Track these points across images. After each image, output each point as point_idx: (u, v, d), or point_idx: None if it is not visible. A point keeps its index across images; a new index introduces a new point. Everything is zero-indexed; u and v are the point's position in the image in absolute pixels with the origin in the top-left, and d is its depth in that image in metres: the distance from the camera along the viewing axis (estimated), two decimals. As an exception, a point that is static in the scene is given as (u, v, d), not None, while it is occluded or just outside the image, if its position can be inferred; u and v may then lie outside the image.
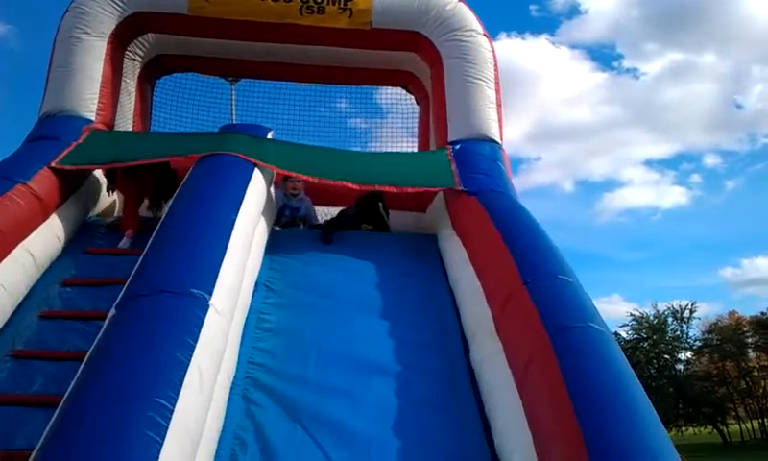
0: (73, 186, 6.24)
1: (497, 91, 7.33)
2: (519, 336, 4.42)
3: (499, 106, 7.29)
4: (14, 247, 5.19)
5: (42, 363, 4.68)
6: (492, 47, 7.45)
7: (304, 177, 6.66)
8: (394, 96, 9.49)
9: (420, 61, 8.06)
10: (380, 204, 7.19)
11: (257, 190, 5.93)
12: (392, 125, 9.57)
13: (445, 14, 7.51)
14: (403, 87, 9.18)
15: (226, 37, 7.91)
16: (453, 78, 7.30)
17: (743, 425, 52.56)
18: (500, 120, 7.22)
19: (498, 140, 7.10)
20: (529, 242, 5.21)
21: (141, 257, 4.64)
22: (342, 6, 7.53)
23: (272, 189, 6.79)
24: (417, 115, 9.29)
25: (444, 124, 7.24)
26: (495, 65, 7.40)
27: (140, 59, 8.12)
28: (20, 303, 5.19)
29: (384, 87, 9.53)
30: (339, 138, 9.63)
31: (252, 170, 5.99)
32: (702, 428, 52.72)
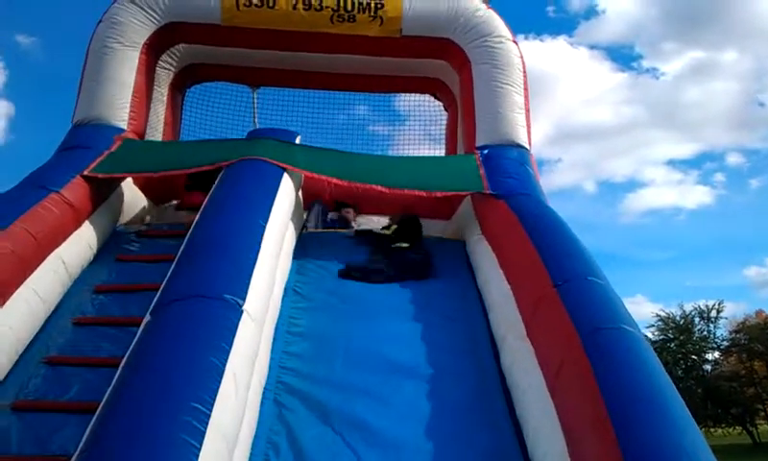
0: (104, 195, 6.32)
1: (526, 97, 7.33)
2: (550, 339, 4.41)
3: (527, 111, 7.28)
4: (48, 255, 5.27)
5: (76, 369, 4.73)
6: (520, 53, 7.45)
7: (334, 180, 6.68)
8: (414, 102, 9.52)
9: (448, 68, 8.08)
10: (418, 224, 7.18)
11: (287, 195, 5.99)
12: (413, 131, 9.60)
13: (475, 21, 7.53)
14: (431, 95, 9.20)
15: (257, 47, 7.98)
16: (482, 83, 7.31)
17: (773, 426, 51.92)
18: (528, 126, 7.21)
19: (527, 146, 7.08)
20: (559, 244, 5.20)
21: (173, 263, 4.69)
22: (372, 14, 7.54)
23: (300, 194, 6.82)
24: (437, 121, 9.33)
25: (473, 129, 7.24)
26: (524, 71, 7.40)
27: (172, 68, 8.22)
28: (53, 311, 5.25)
29: (404, 93, 9.55)
30: (358, 145, 9.60)
31: (282, 175, 6.04)
32: (731, 429, 52.08)
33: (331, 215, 7.27)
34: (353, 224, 7.45)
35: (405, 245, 6.67)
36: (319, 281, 5.99)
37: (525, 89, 7.35)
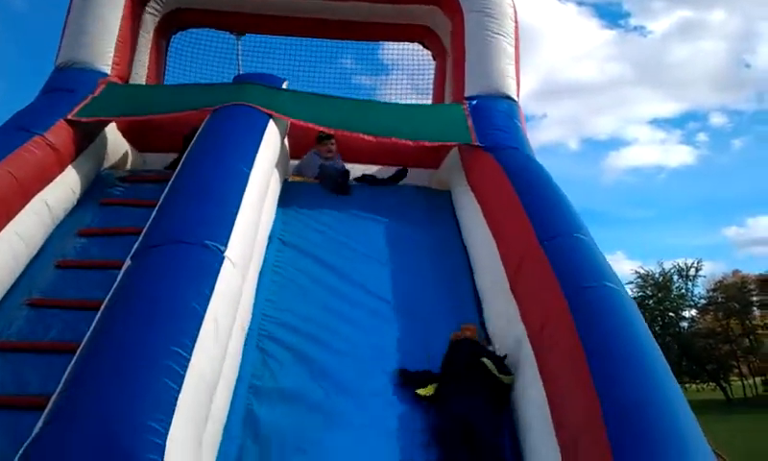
0: (88, 139, 6.24)
1: (516, 48, 7.24)
2: (535, 296, 4.45)
3: (517, 63, 7.19)
4: (32, 198, 5.22)
5: (58, 311, 4.72)
6: (513, 3, 7.34)
7: (320, 128, 6.63)
8: (400, 52, 9.35)
9: (438, 16, 7.97)
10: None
11: (272, 142, 5.93)
12: (398, 81, 9.47)
13: (469, -33, 7.36)
14: (420, 43, 9.04)
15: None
16: (474, 31, 7.21)
17: (746, 382, 52.89)
18: (518, 77, 7.13)
19: (516, 98, 7.02)
20: (545, 200, 5.21)
21: (156, 209, 4.67)
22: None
23: (285, 141, 6.77)
24: (423, 71, 9.18)
25: (462, 78, 7.17)
26: (516, 22, 7.30)
27: (158, 13, 8.06)
28: (36, 254, 5.22)
29: (389, 44, 9.39)
30: (344, 95, 9.45)
31: (267, 121, 5.97)
32: (705, 385, 53.06)
33: (322, 162, 7.10)
34: (338, 156, 7.26)
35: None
36: (303, 231, 5.97)
37: (516, 40, 7.26)
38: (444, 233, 6.22)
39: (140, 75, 7.85)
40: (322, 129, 6.67)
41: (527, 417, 4.02)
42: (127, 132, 7.19)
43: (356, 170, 7.29)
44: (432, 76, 9.04)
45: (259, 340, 4.69)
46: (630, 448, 3.14)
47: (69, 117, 5.97)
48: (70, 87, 6.43)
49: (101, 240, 5.50)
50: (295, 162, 7.30)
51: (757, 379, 52.42)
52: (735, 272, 55.94)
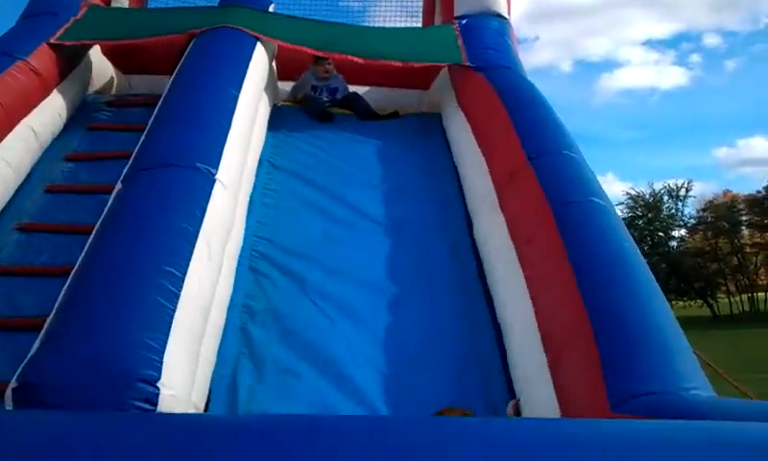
0: (72, 63, 6.13)
1: (507, -37, 7.08)
2: (523, 211, 4.48)
3: (508, -22, 7.06)
4: (17, 123, 5.15)
5: (49, 236, 4.73)
6: None
7: (308, 51, 6.54)
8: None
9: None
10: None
11: (260, 65, 5.85)
12: (388, 4, 9.26)
13: None
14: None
15: None
16: (463, -53, 7.00)
17: (732, 300, 53.77)
18: (509, -6, 7.02)
19: (506, 15, 6.92)
20: (535, 118, 5.19)
21: (145, 132, 4.62)
22: None
23: (274, 64, 6.68)
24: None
25: (451, -1, 7.02)
26: (506, -65, 7.12)
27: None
28: (24, 179, 5.18)
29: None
30: (330, 18, 9.16)
31: (255, 44, 5.88)
32: (692, 303, 53.94)
33: (314, 83, 6.99)
34: (335, 73, 7.06)
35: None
36: (294, 154, 5.95)
37: (506, -45, 7.09)
38: (435, 154, 6.21)
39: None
40: (310, 51, 6.56)
41: (514, 330, 4.08)
42: (111, 54, 7.05)
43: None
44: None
45: (252, 261, 4.72)
46: (618, 358, 3.20)
47: (52, 41, 5.85)
48: (52, 11, 6.29)
49: (89, 165, 5.47)
50: (284, 85, 7.18)
51: (744, 296, 53.30)
52: (726, 192, 56.37)
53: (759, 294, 52.71)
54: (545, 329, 3.72)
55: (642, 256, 4.01)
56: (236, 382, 3.86)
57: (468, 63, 6.22)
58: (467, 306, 4.57)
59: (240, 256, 4.65)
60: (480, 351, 4.24)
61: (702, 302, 52.70)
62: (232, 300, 4.31)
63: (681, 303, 51.99)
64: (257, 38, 5.96)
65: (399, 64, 6.37)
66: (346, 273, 4.69)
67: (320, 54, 6.63)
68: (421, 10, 8.75)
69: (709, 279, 52.77)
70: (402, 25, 8.97)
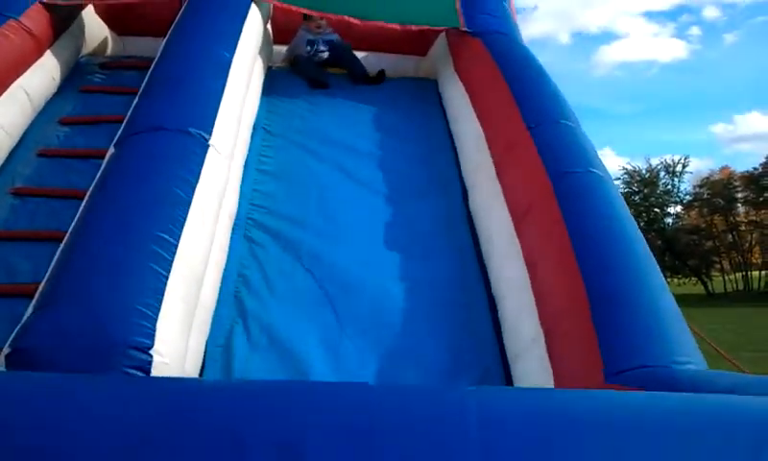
0: (65, 24, 6.04)
1: (507, -74, 6.98)
2: (520, 180, 4.46)
3: (507, -59, 6.96)
4: (10, 85, 5.09)
5: (43, 200, 4.68)
6: None
7: (304, 11, 6.45)
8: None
9: None
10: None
11: (254, 27, 5.77)
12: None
13: None
14: None
15: None
16: None
17: (726, 278, 53.99)
18: (509, -42, 6.93)
19: None
20: (533, 87, 5.14)
21: (138, 96, 4.56)
22: None
23: (269, 26, 6.60)
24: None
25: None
26: None
27: None
28: (17, 143, 5.13)
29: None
30: None
31: (249, 5, 5.79)
32: (687, 280, 54.15)
33: (314, 37, 6.89)
34: (328, 30, 6.96)
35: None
36: (289, 120, 5.89)
37: None
38: (431, 120, 6.18)
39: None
40: (305, 11, 6.48)
41: (508, 299, 4.08)
42: (105, 15, 6.95)
43: None
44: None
45: (246, 229, 4.69)
46: (613, 330, 3.20)
47: (45, 0, 5.77)
48: (45, -31, 6.18)
49: (83, 128, 5.40)
50: (279, 49, 7.10)
51: (738, 275, 53.51)
52: (724, 168, 56.38)
53: (754, 273, 52.94)
54: (541, 300, 3.72)
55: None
56: (230, 351, 3.85)
57: (465, 28, 6.17)
58: (461, 276, 4.56)
59: (235, 224, 4.62)
60: (474, 321, 4.24)
61: (696, 279, 52.91)
62: (227, 268, 4.28)
63: (675, 280, 52.18)
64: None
65: (397, 27, 6.30)
66: (341, 240, 4.66)
67: (307, 12, 6.53)
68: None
69: (704, 257, 52.93)
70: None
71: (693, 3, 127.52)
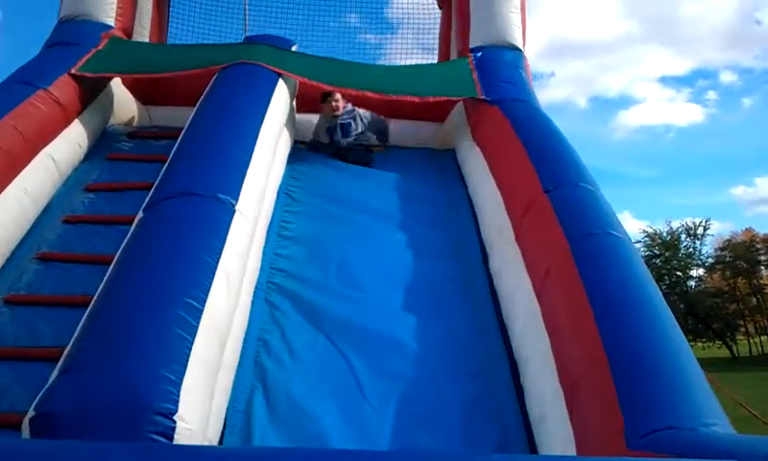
0: (93, 94, 6.22)
1: (521, -4, 7.15)
2: (539, 243, 4.46)
3: (523, 11, 7.10)
4: (37, 153, 5.21)
5: (68, 265, 4.74)
6: (516, -48, 7.22)
7: (326, 86, 6.59)
8: (406, 10, 9.23)
9: (441, -38, 7.82)
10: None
11: (281, 100, 5.93)
12: (404, 40, 9.35)
13: None
14: (425, -10, 8.93)
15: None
16: (478, -20, 7.08)
17: (752, 341, 53.08)
18: (524, 27, 7.05)
19: (521, 47, 6.96)
20: (551, 150, 5.19)
21: (167, 163, 4.67)
22: None
23: (294, 102, 6.75)
24: (429, 30, 9.06)
25: (467, 29, 7.10)
26: (521, -30, 7.19)
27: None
28: (44, 209, 5.23)
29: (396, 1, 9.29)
30: (349, 55, 9.23)
31: (277, 80, 5.97)
32: (711, 344, 53.27)
33: (331, 124, 6.96)
34: (348, 106, 6.91)
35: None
36: (311, 186, 5.98)
37: (521, -11, 7.16)
38: (449, 186, 6.26)
39: (144, 27, 7.76)
40: (328, 87, 6.60)
41: (530, 363, 4.05)
42: (132, 86, 7.15)
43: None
44: (438, 34, 8.91)
45: (268, 293, 4.72)
46: (635, 392, 3.16)
47: (73, 71, 5.95)
48: (74, 41, 6.40)
49: (109, 195, 5.50)
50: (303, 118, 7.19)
51: (763, 338, 52.61)
52: (747, 230, 55.89)
53: (779, 336, 52.06)
54: (561, 364, 3.69)
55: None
56: (250, 416, 3.85)
57: (483, 96, 6.26)
58: (482, 338, 4.54)
59: (256, 288, 4.66)
60: (495, 383, 4.20)
61: (721, 343, 52.07)
62: (248, 332, 4.30)
63: (699, 344, 51.34)
64: (279, 74, 6.04)
65: (416, 100, 6.41)
66: (362, 304, 4.67)
67: (330, 89, 6.61)
68: (438, 42, 8.83)
69: (728, 320, 52.15)
70: (418, 59, 9.09)
71: (709, 68, 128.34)
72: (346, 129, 6.79)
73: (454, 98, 6.79)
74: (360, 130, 6.78)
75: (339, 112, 6.78)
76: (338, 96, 6.74)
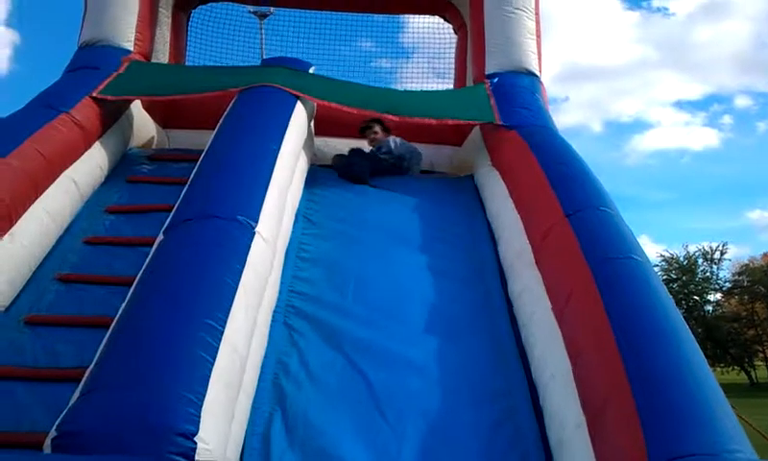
0: (113, 117, 6.28)
1: (537, 22, 7.16)
2: (560, 267, 4.44)
3: (539, 37, 7.14)
4: (59, 175, 5.27)
5: (89, 286, 4.76)
6: (532, -24, 7.27)
7: (345, 109, 6.63)
8: (420, 36, 9.25)
9: (458, -11, 7.87)
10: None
11: (299, 122, 5.96)
12: (419, 65, 9.41)
13: (486, -59, 7.29)
14: (441, 16, 8.94)
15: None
16: (493, 6, 7.12)
17: (770, 367, 52.56)
18: (539, 52, 7.08)
19: (538, 73, 6.99)
20: (570, 174, 5.19)
21: (187, 185, 4.71)
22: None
23: (311, 124, 6.78)
24: (444, 55, 9.10)
25: (482, 55, 7.12)
26: (536, -3, 7.24)
27: (175, -11, 8.05)
28: (65, 231, 5.27)
29: (410, 22, 9.34)
30: (364, 80, 9.24)
31: (295, 103, 6.01)
32: (729, 369, 52.78)
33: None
34: (382, 136, 7.03)
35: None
36: (329, 209, 6.00)
37: (537, 15, 7.18)
38: (468, 209, 6.24)
39: (162, 53, 7.86)
40: (346, 109, 6.62)
41: (550, 389, 4.02)
42: (152, 109, 7.23)
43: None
44: (453, 59, 8.94)
45: (286, 316, 4.72)
46: (658, 418, 3.13)
47: (94, 95, 6.01)
48: (94, 65, 6.47)
49: (129, 217, 5.54)
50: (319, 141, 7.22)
51: (781, 364, 52.04)
52: (765, 255, 55.44)
53: (797, 361, 51.51)
54: (584, 389, 3.65)
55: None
56: (268, 440, 3.83)
57: (501, 122, 6.27)
58: (502, 361, 4.50)
59: (275, 311, 4.67)
60: (515, 408, 4.17)
61: (739, 368, 51.57)
62: (266, 355, 4.30)
63: (718, 369, 50.84)
64: (297, 97, 6.08)
65: (434, 122, 6.43)
66: (382, 327, 4.66)
67: (348, 111, 6.63)
68: (453, 68, 8.87)
69: (746, 345, 51.66)
70: (433, 85, 9.14)
71: (724, 93, 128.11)
72: (385, 146, 6.94)
73: (472, 122, 6.81)
74: (397, 152, 6.91)
75: (377, 142, 6.99)
76: (377, 128, 6.96)
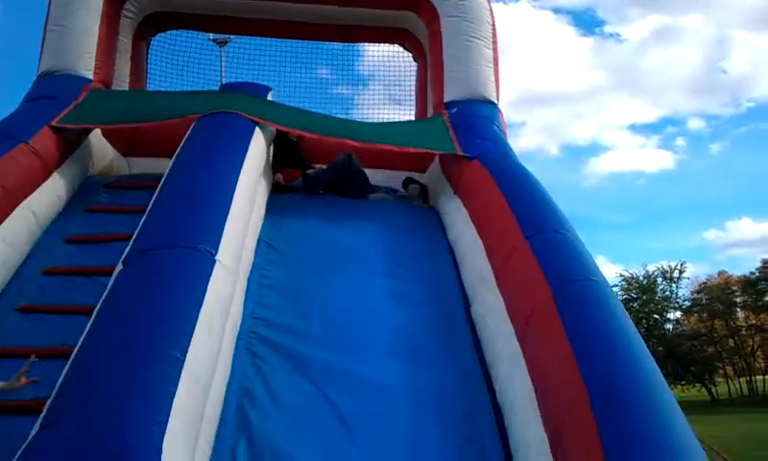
0: (72, 146, 6.23)
1: (495, 51, 7.28)
2: (521, 289, 4.51)
3: (496, 65, 7.25)
4: (18, 205, 5.21)
5: (48, 317, 4.70)
6: (489, 7, 7.39)
7: (307, 134, 6.65)
8: (377, 64, 9.33)
9: (417, 19, 7.99)
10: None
11: (258, 149, 5.95)
12: (376, 93, 9.45)
13: (444, -27, 7.41)
14: (400, 44, 9.02)
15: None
16: (451, 36, 7.24)
17: (730, 383, 53.28)
18: (497, 80, 7.20)
19: (495, 100, 7.09)
20: (530, 199, 5.28)
21: (146, 214, 4.67)
22: (339, -37, 7.43)
23: (271, 149, 6.80)
24: (401, 83, 9.17)
25: (441, 83, 7.21)
26: (493, 25, 7.34)
27: (135, 16, 7.98)
28: (24, 261, 5.20)
29: (370, 50, 9.42)
30: (322, 107, 9.38)
31: (254, 129, 5.99)
32: (690, 387, 53.44)
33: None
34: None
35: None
36: (290, 235, 5.99)
37: (494, 43, 7.30)
38: (430, 234, 6.31)
39: (122, 80, 7.80)
40: (307, 135, 6.68)
41: (514, 410, 4.07)
42: (112, 137, 7.17)
43: None
44: (412, 86, 9.03)
45: (249, 343, 4.70)
46: (618, 436, 3.19)
47: (53, 124, 5.96)
48: (53, 94, 6.42)
49: (88, 247, 5.47)
50: None
51: (742, 380, 52.86)
52: (721, 273, 56.46)
53: (758, 377, 52.31)
54: (545, 409, 3.71)
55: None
56: None
57: (461, 153, 6.32)
58: (466, 383, 4.55)
59: (237, 338, 4.64)
60: (479, 428, 4.21)
61: (700, 385, 52.22)
62: (230, 382, 4.27)
63: (679, 387, 51.44)
64: (256, 123, 6.08)
65: (395, 149, 6.49)
66: (345, 351, 4.67)
67: (308, 136, 6.71)
68: (413, 96, 8.96)
69: (707, 363, 52.38)
70: (390, 111, 9.20)
71: (677, 116, 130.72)
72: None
73: (432, 151, 6.88)
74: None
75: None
76: None
